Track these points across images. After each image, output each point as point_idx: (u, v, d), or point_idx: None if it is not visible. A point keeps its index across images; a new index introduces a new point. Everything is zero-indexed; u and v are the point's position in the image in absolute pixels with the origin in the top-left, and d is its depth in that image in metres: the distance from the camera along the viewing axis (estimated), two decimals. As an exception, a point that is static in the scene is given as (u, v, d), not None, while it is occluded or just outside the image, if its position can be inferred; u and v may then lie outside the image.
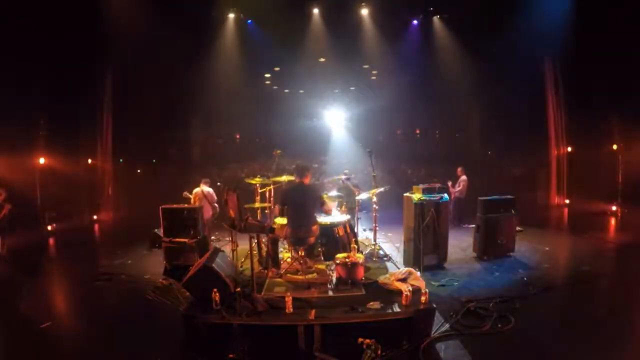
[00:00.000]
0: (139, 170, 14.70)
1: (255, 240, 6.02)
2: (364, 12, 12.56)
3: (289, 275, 5.53)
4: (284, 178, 7.03)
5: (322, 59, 13.60)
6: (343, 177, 8.32)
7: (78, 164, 12.06)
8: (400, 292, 4.36)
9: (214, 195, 8.54)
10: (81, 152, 12.08)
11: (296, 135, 14.66)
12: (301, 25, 12.43)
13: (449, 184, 9.73)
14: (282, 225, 5.80)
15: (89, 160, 12.49)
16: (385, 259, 6.84)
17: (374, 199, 7.06)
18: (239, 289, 4.45)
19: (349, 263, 5.05)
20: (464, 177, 9.98)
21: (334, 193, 7.92)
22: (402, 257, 6.89)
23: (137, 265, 7.28)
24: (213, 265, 4.52)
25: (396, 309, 4.23)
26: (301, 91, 15.73)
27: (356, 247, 6.03)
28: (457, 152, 14.80)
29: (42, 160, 10.67)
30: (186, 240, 6.45)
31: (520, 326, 4.34)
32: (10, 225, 8.21)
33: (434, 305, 4.30)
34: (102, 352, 4.18)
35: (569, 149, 12.78)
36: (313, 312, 4.13)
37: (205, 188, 8.45)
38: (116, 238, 10.83)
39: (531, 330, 4.29)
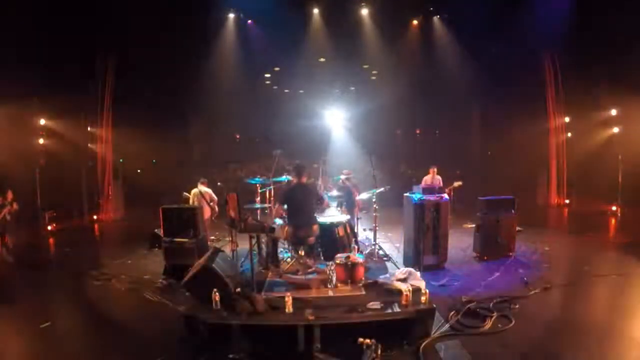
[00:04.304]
0: (139, 170, 14.69)
1: (255, 240, 6.02)
2: (364, 12, 12.56)
3: (289, 275, 5.53)
4: (284, 178, 7.05)
5: (322, 59, 13.60)
6: (343, 177, 8.32)
7: (78, 164, 12.06)
8: (400, 292, 4.36)
9: (213, 195, 8.48)
10: (81, 151, 12.08)
11: (296, 135, 14.64)
12: (301, 25, 12.43)
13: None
14: (282, 226, 5.81)
15: (89, 161, 12.51)
16: (385, 259, 6.84)
17: (374, 199, 7.07)
18: (239, 289, 4.45)
19: (349, 263, 5.05)
20: (439, 177, 9.95)
21: (334, 193, 7.92)
22: (402, 257, 6.89)
23: (137, 265, 7.28)
24: (213, 265, 4.52)
25: (396, 309, 4.22)
26: (301, 91, 15.73)
27: (356, 247, 6.04)
28: (457, 152, 14.79)
29: (42, 160, 10.68)
30: (186, 240, 6.44)
31: (520, 326, 4.34)
32: (12, 225, 8.26)
33: (434, 305, 4.30)
34: (102, 352, 4.18)
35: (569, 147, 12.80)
36: (313, 312, 4.13)
37: (202, 188, 8.38)
38: (116, 238, 10.85)
39: (531, 330, 4.29)
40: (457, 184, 9.61)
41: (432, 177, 9.91)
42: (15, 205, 8.17)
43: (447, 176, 10.23)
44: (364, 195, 7.62)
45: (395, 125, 17.12)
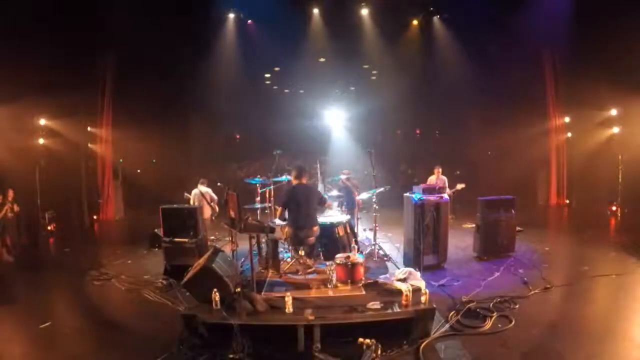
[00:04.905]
0: (138, 170, 14.69)
1: (255, 240, 6.02)
2: (364, 12, 12.56)
3: (289, 275, 5.53)
4: (284, 178, 7.06)
5: (322, 59, 13.60)
6: (343, 177, 8.33)
7: (78, 164, 12.06)
8: (400, 292, 4.36)
9: (212, 194, 8.61)
10: (81, 151, 12.08)
11: (296, 135, 14.66)
12: (301, 25, 12.43)
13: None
14: (282, 226, 5.81)
15: (89, 161, 12.51)
16: (385, 259, 6.84)
17: (374, 199, 7.07)
18: (239, 289, 4.45)
19: (349, 263, 5.05)
20: (444, 178, 9.96)
21: (334, 193, 7.92)
22: (402, 257, 6.90)
23: (137, 265, 7.29)
24: (213, 265, 4.52)
25: (396, 309, 4.22)
26: (301, 91, 15.74)
27: (356, 247, 6.04)
28: (457, 152, 14.79)
29: (42, 160, 10.67)
30: (186, 240, 6.44)
31: (520, 326, 4.34)
32: (12, 224, 8.28)
33: (434, 305, 4.30)
34: (102, 352, 4.18)
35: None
36: (313, 312, 4.13)
37: (202, 188, 8.52)
38: (116, 238, 10.86)
39: (531, 330, 4.29)
40: (460, 186, 9.59)
41: (437, 178, 9.91)
42: (16, 207, 8.21)
43: (447, 177, 10.22)
44: (364, 195, 7.62)
45: (396, 125, 17.13)
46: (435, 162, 10.41)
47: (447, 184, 9.80)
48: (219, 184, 9.03)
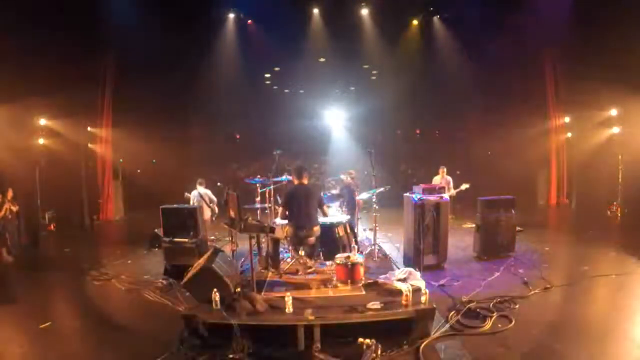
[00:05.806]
0: (138, 170, 14.69)
1: (255, 240, 6.02)
2: (364, 12, 12.57)
3: (289, 275, 5.53)
4: (284, 178, 7.06)
5: (322, 59, 13.61)
6: (348, 177, 8.33)
7: (78, 164, 12.06)
8: (400, 292, 4.36)
9: (212, 196, 8.55)
10: (81, 151, 12.08)
11: (296, 135, 14.67)
12: (301, 25, 12.44)
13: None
14: (283, 226, 5.81)
15: (89, 161, 12.51)
16: (385, 258, 6.84)
17: (374, 199, 7.07)
18: (239, 289, 4.45)
19: (349, 263, 5.05)
20: (449, 178, 9.95)
21: (334, 192, 7.92)
22: (402, 257, 6.90)
23: (137, 265, 7.29)
24: (213, 265, 4.52)
25: (396, 309, 4.22)
26: (301, 91, 15.74)
27: (356, 247, 6.04)
28: (457, 152, 14.79)
29: (42, 160, 10.67)
30: (186, 240, 6.44)
31: (521, 326, 4.34)
32: (12, 224, 8.27)
33: (434, 305, 4.30)
34: (102, 352, 4.18)
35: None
36: (313, 312, 4.13)
37: (201, 189, 8.44)
38: (116, 238, 10.86)
39: (531, 330, 4.28)
40: (465, 186, 9.53)
41: (442, 178, 9.92)
42: (15, 207, 8.21)
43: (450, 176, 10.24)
44: (364, 195, 7.62)
45: (396, 125, 17.13)
46: (437, 162, 10.41)
47: (452, 185, 9.81)
48: (218, 184, 9.02)
